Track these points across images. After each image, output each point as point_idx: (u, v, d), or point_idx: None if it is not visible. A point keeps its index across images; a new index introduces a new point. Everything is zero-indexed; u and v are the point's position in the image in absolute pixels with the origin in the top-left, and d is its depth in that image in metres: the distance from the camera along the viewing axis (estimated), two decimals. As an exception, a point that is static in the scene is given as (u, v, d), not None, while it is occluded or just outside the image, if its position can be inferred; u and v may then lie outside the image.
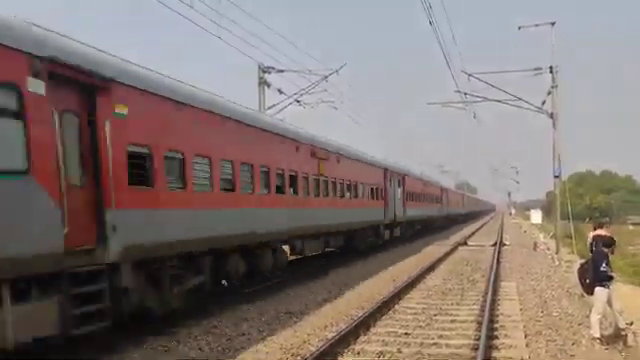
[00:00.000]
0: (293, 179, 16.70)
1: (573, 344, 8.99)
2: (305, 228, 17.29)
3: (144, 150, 9.55)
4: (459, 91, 28.70)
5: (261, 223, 13.95)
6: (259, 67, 26.00)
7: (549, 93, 28.18)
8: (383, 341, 9.22)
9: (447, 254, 25.13)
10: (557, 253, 27.20)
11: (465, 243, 32.72)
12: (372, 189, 26.03)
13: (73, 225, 7.68)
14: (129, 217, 8.85)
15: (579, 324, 10.44)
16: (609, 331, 9.83)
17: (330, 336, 9.09)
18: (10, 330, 6.74)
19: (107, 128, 8.47)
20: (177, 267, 10.53)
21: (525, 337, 9.42)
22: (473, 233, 44.77)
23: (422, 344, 8.99)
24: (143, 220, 9.36)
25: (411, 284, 15.33)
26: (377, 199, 26.90)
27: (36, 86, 7.29)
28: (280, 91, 26.55)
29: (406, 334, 9.72)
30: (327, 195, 19.87)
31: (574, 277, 13.61)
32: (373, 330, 10.09)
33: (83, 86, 8.15)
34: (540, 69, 27.91)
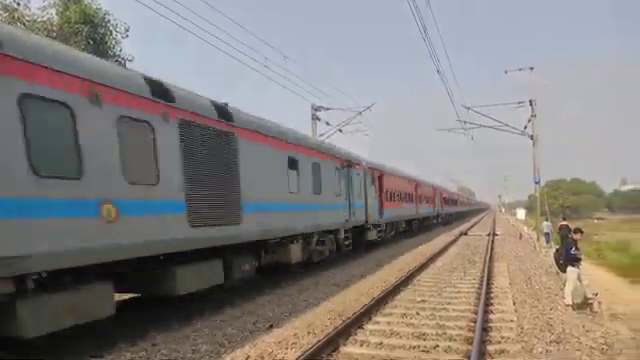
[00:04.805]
0: (410, 196, 28.53)
1: (551, 309, 8.69)
2: (416, 215, 30.24)
3: (389, 191, 22.34)
4: (460, 120, 28.34)
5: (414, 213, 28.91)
6: (312, 106, 26.21)
7: (529, 120, 27.47)
8: (406, 306, 9.15)
9: (454, 241, 24.64)
10: (537, 241, 26.35)
11: (466, 233, 31.99)
12: (431, 199, 37.52)
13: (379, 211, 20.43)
14: (388, 211, 21.51)
15: (555, 295, 10.07)
16: (579, 300, 9.48)
17: (366, 301, 9.08)
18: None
19: (382, 182, 20.93)
20: (391, 226, 23.58)
21: (514, 304, 9.16)
22: (472, 226, 43.70)
23: (434, 308, 8.89)
24: (392, 212, 22.61)
25: (426, 264, 15.14)
26: (432, 203, 38.04)
27: (367, 173, 18.75)
28: (327, 123, 26.77)
29: (423, 301, 9.63)
30: (420, 203, 31.83)
31: (551, 259, 13.19)
32: (398, 297, 10.02)
33: (379, 172, 20.62)
34: (522, 102, 27.26)
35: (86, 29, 18.50)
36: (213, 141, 8.31)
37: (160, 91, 7.26)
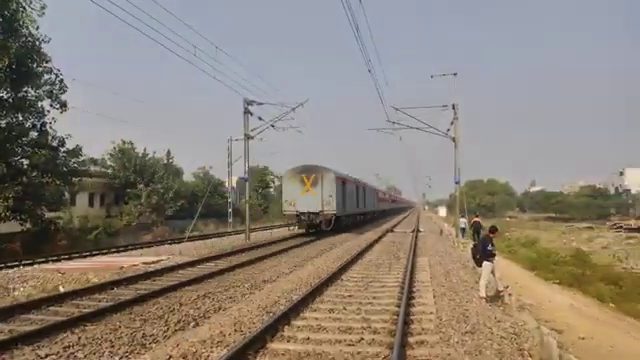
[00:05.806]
0: (382, 199, 53.30)
1: (467, 301, 9.22)
2: (386, 208, 57.79)
3: (379, 197, 50.17)
4: (389, 120, 29.18)
5: (378, 207, 49.00)
6: (244, 100, 25.74)
7: (452, 123, 28.90)
8: (333, 302, 9.27)
9: (381, 237, 25.42)
10: (456, 237, 27.88)
11: (392, 230, 33.13)
12: (388, 200, 61.71)
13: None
14: (380, 206, 52.24)
15: (471, 288, 10.71)
16: (492, 293, 10.15)
17: (295, 298, 9.08)
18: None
19: (378, 194, 50.76)
20: (381, 212, 53.04)
21: (434, 297, 9.60)
22: (398, 223, 45.41)
23: (361, 303, 9.09)
24: (381, 207, 52.95)
25: (355, 259, 15.44)
26: (389, 202, 62.26)
27: (377, 191, 51.72)
28: (260, 118, 26.39)
29: (350, 296, 9.81)
30: (386, 202, 58.73)
31: (468, 254, 14.00)
32: (326, 293, 10.12)
33: (377, 190, 54.83)
34: (446, 106, 28.62)
35: (-6, 4, 16.82)
36: (352, 188, 31.44)
37: (344, 178, 28.19)
